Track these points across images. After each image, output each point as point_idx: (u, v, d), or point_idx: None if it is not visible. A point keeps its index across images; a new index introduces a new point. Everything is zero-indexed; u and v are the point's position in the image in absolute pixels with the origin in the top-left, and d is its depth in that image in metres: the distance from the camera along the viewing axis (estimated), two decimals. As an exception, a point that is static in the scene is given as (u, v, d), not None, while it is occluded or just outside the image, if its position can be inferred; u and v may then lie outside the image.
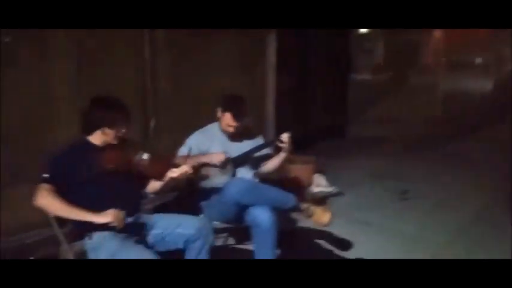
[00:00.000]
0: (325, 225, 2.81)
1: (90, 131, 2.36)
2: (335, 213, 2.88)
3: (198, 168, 2.49)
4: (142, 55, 3.40)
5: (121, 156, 2.36)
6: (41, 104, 2.87)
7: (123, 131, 2.37)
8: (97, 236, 2.32)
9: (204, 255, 2.46)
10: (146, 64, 3.43)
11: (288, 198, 2.77)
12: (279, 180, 4.52)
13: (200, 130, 3.05)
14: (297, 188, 4.58)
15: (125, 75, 3.38)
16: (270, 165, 3.13)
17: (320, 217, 2.80)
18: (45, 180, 2.17)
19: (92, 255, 2.31)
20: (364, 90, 7.81)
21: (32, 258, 2.47)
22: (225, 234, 3.28)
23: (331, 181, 4.75)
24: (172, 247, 2.49)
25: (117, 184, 2.30)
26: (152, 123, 2.44)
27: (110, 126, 2.32)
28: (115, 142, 2.38)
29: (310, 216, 2.82)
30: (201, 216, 2.59)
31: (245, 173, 3.00)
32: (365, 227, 3.88)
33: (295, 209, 2.79)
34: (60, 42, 2.95)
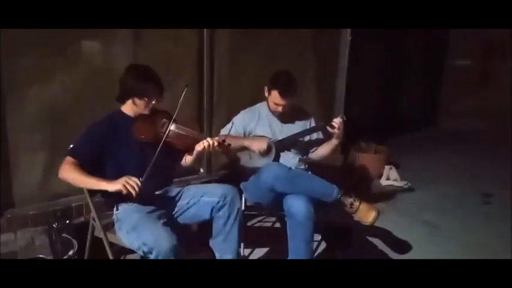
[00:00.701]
0: (370, 224, 2.51)
1: (122, 100, 2.33)
2: (401, 211, 2.55)
3: (227, 147, 2.34)
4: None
5: (151, 127, 2.30)
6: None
7: (153, 102, 2.29)
8: (122, 207, 2.32)
9: (231, 224, 2.34)
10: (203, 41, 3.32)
11: (330, 190, 2.51)
12: (343, 166, 4.27)
13: (248, 109, 2.89)
14: (363, 177, 4.27)
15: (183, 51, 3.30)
16: (319, 152, 2.89)
17: (364, 215, 2.51)
18: (69, 153, 2.18)
19: (117, 226, 2.31)
20: (461, 78, 6.97)
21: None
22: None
23: (404, 175, 4.33)
24: (199, 219, 2.41)
25: (147, 155, 2.23)
26: (184, 91, 2.31)
27: (140, 96, 2.26)
28: (146, 113, 2.33)
29: (353, 212, 2.54)
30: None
31: (290, 157, 2.79)
32: (432, 230, 3.47)
33: (338, 202, 2.52)
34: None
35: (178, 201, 2.43)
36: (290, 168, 2.58)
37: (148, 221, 2.19)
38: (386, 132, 5.23)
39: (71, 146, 2.23)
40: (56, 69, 2.79)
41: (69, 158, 2.16)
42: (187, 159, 2.46)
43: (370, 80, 5.80)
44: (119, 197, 2.25)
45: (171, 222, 2.33)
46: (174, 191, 2.48)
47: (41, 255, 2.58)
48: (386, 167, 4.33)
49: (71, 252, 2.46)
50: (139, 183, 2.10)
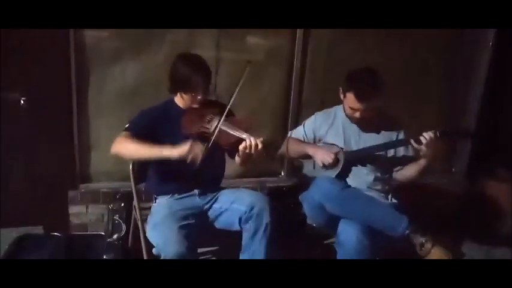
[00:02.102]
0: (441, 275, 1.92)
1: (172, 91, 2.20)
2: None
3: (272, 152, 2.02)
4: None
5: (197, 122, 2.13)
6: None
7: (199, 96, 2.10)
8: (158, 200, 2.21)
9: (258, 241, 2.04)
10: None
11: (396, 222, 2.01)
12: (468, 196, 3.50)
13: (323, 111, 2.50)
14: (492, 213, 3.44)
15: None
16: (405, 172, 2.34)
17: (437, 261, 1.93)
18: (125, 129, 2.12)
19: (148, 219, 2.21)
20: None
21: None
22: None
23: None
24: (230, 227, 2.17)
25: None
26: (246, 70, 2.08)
27: (185, 90, 2.10)
28: (196, 106, 2.16)
29: (423, 256, 1.98)
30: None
31: (363, 174, 2.32)
32: None
33: (404, 239, 1.99)
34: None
35: (214, 203, 2.21)
36: (348, 186, 2.13)
37: (169, 221, 2.03)
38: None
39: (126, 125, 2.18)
40: (138, 52, 2.82)
41: (124, 133, 2.11)
42: (237, 159, 2.22)
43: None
44: (161, 187, 2.19)
45: (202, 225, 2.14)
46: (215, 191, 2.27)
47: (101, 232, 2.66)
48: (526, 203, 3.39)
49: (115, 236, 2.46)
50: (203, 150, 1.95)
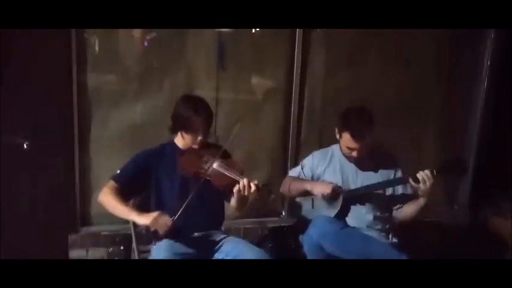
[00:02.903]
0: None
1: (173, 132, 2.25)
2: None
3: (267, 194, 2.03)
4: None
5: (194, 162, 2.15)
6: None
7: (199, 137, 2.14)
8: (159, 243, 2.20)
9: None
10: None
11: (396, 262, 1.98)
12: (470, 230, 3.47)
13: (320, 151, 2.52)
14: (494, 249, 3.39)
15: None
16: (405, 211, 2.34)
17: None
18: (113, 178, 2.15)
19: (150, 261, 2.20)
20: None
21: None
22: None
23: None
24: None
25: (190, 191, 2.08)
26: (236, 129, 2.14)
27: (186, 130, 2.14)
28: (195, 147, 2.19)
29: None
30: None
31: (363, 213, 2.32)
32: None
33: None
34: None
35: (216, 251, 2.20)
36: (347, 225, 2.13)
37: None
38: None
39: (118, 171, 2.21)
40: (140, 94, 2.89)
41: (110, 183, 2.15)
42: (233, 202, 2.23)
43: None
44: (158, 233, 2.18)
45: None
46: (217, 236, 2.26)
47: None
48: (529, 238, 3.35)
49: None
50: (168, 223, 2.00)
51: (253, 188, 1.99)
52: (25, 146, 2.59)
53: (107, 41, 2.79)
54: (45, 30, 2.21)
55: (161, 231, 2.00)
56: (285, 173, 2.90)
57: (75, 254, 2.79)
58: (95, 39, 2.77)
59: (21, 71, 2.52)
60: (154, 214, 2.00)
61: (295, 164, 3.04)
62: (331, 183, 2.32)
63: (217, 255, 2.19)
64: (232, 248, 2.17)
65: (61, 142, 2.74)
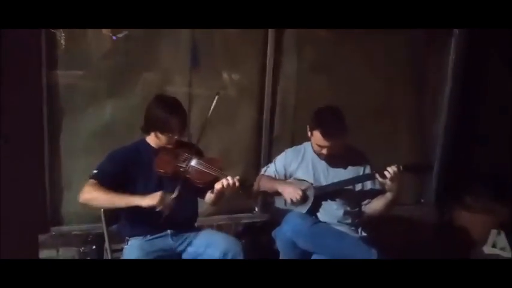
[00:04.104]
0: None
1: (146, 131, 2.24)
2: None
3: (249, 189, 2.08)
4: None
5: (172, 161, 2.17)
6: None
7: (175, 137, 2.16)
8: (131, 242, 2.20)
9: None
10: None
11: (365, 256, 2.04)
12: (436, 224, 3.58)
13: (293, 148, 2.56)
14: (461, 241, 3.52)
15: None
16: (373, 205, 2.41)
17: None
18: (92, 176, 2.13)
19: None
20: None
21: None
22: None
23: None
24: None
25: (166, 189, 2.09)
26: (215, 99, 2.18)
27: (162, 131, 2.14)
28: (169, 146, 2.20)
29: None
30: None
31: (333, 208, 2.38)
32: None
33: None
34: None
35: (188, 246, 2.22)
36: (318, 221, 2.18)
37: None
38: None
39: (95, 170, 2.19)
40: (112, 93, 2.86)
41: (90, 181, 2.11)
42: (209, 198, 2.25)
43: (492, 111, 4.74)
44: (132, 229, 2.18)
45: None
46: (190, 232, 2.27)
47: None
48: (493, 231, 3.49)
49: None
50: (171, 202, 2.02)
51: (237, 183, 2.02)
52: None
53: (76, 38, 2.74)
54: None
55: (166, 210, 2.02)
56: (258, 169, 2.94)
57: (46, 254, 2.75)
58: (61, 36, 2.72)
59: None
60: (158, 194, 2.00)
61: (268, 161, 3.08)
62: (303, 183, 2.37)
63: (190, 249, 2.22)
64: (202, 240, 2.20)
65: (31, 141, 2.69)
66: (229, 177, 2.04)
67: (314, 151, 2.43)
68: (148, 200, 1.99)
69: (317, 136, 2.31)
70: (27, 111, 2.63)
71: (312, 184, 2.38)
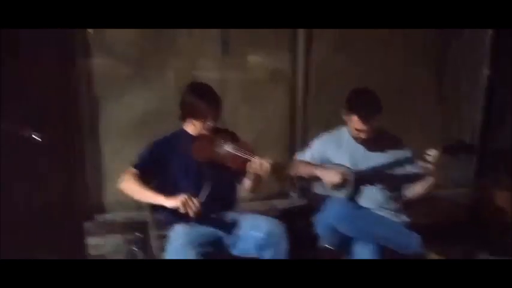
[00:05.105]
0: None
1: (182, 119, 2.29)
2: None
3: (281, 172, 2.11)
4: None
5: (208, 147, 2.21)
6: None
7: (209, 123, 2.19)
8: (176, 228, 2.26)
9: None
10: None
11: (408, 241, 2.04)
12: (471, 205, 3.53)
13: (329, 133, 2.56)
14: (498, 223, 3.45)
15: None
16: (415, 189, 2.38)
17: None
18: (133, 165, 2.19)
19: (167, 246, 2.25)
20: None
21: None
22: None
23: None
24: (246, 253, 2.20)
25: (205, 175, 2.15)
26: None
27: (196, 117, 2.18)
28: (206, 132, 2.24)
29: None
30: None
31: (373, 193, 2.37)
32: None
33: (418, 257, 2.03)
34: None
35: (233, 228, 2.26)
36: (359, 207, 2.18)
37: (187, 249, 2.07)
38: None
39: (136, 159, 2.25)
40: (151, 79, 2.91)
41: (131, 169, 2.19)
42: (247, 184, 2.29)
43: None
44: (176, 216, 2.23)
45: (220, 251, 2.19)
46: (233, 216, 2.32)
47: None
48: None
49: (133, 266, 2.49)
50: (198, 204, 2.04)
51: (267, 165, 2.04)
52: (38, 139, 2.61)
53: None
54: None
55: (191, 213, 2.04)
56: (292, 154, 2.94)
57: (93, 241, 2.85)
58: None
59: (24, 64, 2.53)
60: (183, 196, 2.04)
61: (302, 146, 3.08)
62: (341, 168, 2.37)
63: (235, 231, 2.25)
64: (245, 223, 2.24)
65: (70, 132, 2.76)
66: (258, 159, 2.07)
67: (351, 135, 2.42)
68: (172, 202, 2.04)
69: (354, 120, 2.30)
70: (65, 102, 2.68)
71: (350, 169, 2.38)
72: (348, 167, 2.38)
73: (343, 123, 2.45)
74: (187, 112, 2.23)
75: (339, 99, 2.73)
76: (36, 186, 2.71)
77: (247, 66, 3.09)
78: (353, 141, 2.43)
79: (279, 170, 2.11)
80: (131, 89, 2.91)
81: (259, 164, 2.04)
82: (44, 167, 2.68)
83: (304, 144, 2.98)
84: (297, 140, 3.19)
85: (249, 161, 2.10)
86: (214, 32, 2.96)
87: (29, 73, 2.55)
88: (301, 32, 3.03)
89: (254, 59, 3.12)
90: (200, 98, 2.17)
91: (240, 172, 2.20)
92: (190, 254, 2.04)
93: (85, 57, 2.77)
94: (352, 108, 2.28)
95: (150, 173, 2.21)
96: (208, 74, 2.97)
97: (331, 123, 2.95)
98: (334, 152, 2.45)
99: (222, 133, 2.28)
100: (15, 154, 2.54)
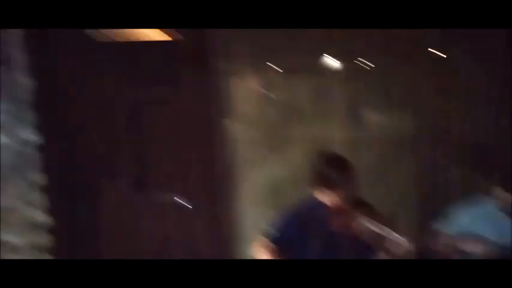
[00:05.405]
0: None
1: (315, 187, 2.30)
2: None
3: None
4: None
5: (343, 219, 2.19)
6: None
7: (342, 194, 2.18)
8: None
9: None
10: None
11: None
12: None
13: (471, 207, 2.44)
14: None
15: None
16: None
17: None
18: (271, 239, 2.20)
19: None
20: None
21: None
22: None
23: None
24: None
25: (339, 247, 2.14)
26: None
27: (329, 187, 2.20)
28: (340, 202, 2.23)
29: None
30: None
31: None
32: None
33: None
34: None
35: None
36: None
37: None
38: None
39: (274, 231, 2.24)
40: (281, 150, 3.04)
41: (265, 241, 2.24)
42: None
43: None
44: None
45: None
46: None
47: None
48: None
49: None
50: None
51: (406, 246, 1.98)
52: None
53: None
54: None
55: None
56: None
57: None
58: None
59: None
60: None
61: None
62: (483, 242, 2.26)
63: None
64: None
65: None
66: (398, 238, 2.00)
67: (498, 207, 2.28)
68: None
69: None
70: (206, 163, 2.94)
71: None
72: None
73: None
74: (323, 183, 2.21)
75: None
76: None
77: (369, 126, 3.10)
78: (500, 213, 2.27)
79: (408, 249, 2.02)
80: (261, 153, 3.04)
81: (396, 245, 1.99)
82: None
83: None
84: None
85: (385, 236, 2.05)
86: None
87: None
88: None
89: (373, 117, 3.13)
90: (334, 169, 2.17)
91: (376, 247, 2.14)
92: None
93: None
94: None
95: (284, 245, 2.19)
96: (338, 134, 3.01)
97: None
98: (481, 225, 2.34)
99: (358, 204, 2.24)
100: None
